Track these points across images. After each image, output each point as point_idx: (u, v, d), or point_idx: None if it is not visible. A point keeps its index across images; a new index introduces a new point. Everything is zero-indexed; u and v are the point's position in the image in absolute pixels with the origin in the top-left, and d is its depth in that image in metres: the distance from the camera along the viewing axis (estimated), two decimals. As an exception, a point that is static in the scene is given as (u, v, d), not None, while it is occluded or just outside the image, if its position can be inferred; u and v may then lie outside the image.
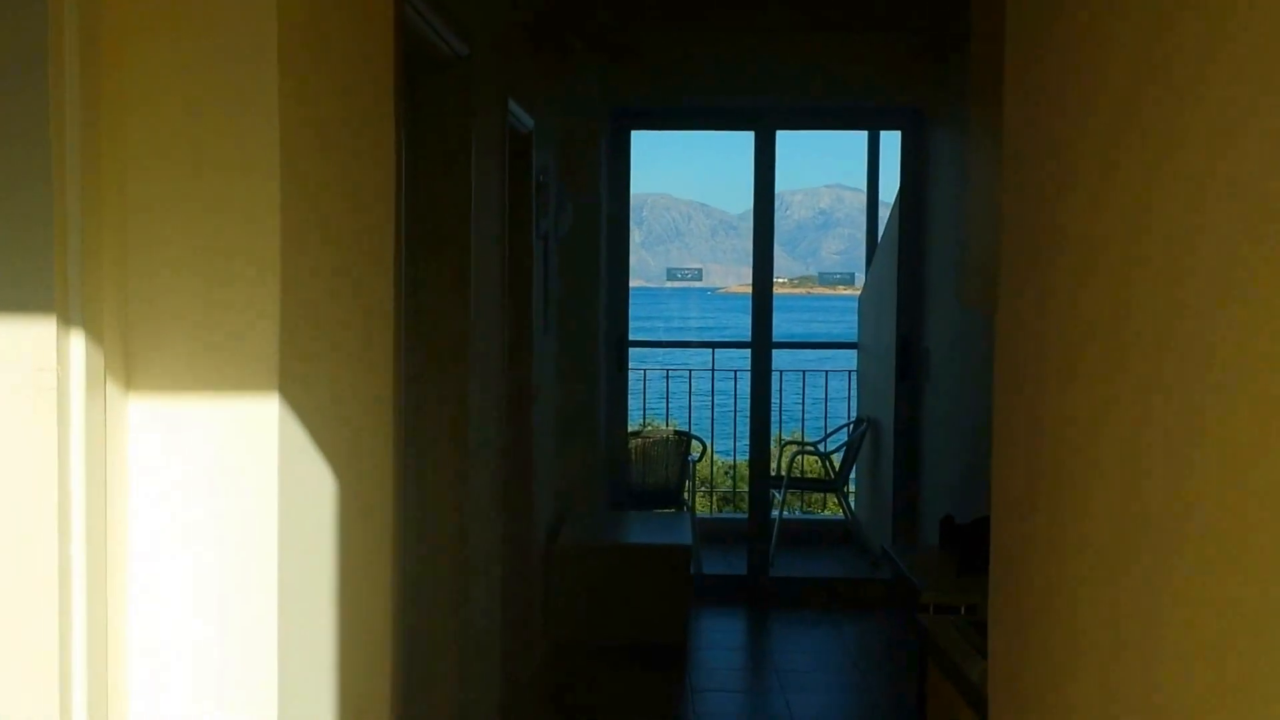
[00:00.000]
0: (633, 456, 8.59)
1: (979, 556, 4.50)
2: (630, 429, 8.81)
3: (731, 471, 11.81)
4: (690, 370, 10.48)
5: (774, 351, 8.15)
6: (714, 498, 10.89)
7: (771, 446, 8.38)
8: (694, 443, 8.83)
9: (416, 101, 3.93)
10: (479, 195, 4.35)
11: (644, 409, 11.10)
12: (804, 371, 10.49)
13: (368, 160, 2.63)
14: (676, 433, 8.81)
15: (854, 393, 10.43)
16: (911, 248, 8.05)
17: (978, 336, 6.51)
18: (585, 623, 6.76)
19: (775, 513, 8.73)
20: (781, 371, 8.69)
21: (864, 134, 9.59)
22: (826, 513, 10.69)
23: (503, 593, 5.36)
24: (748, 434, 8.43)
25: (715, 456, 12.41)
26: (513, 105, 5.21)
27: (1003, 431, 2.39)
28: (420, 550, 4.11)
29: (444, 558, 4.22)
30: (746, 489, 9.22)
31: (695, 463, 8.84)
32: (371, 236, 2.66)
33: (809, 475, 10.58)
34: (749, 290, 8.57)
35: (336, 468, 2.48)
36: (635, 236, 8.06)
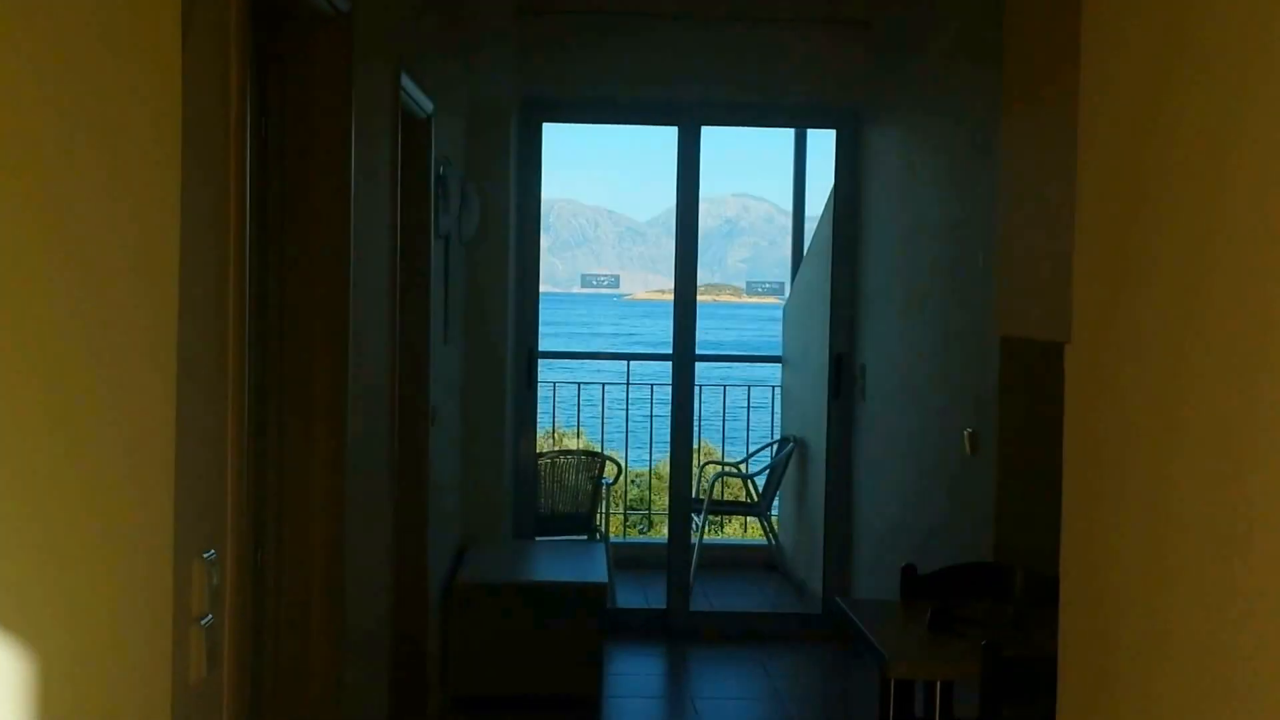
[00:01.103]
0: (542, 480, 7.89)
1: (950, 616, 3.88)
2: (540, 450, 8.11)
3: (641, 481, 11.11)
4: (604, 384, 9.79)
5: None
6: (626, 521, 10.20)
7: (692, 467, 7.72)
8: (608, 464, 8.14)
9: (279, 65, 3.22)
10: (362, 185, 3.64)
11: (554, 425, 10.42)
12: (724, 386, 9.79)
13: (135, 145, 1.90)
14: (589, 454, 8.11)
15: (778, 409, 9.80)
16: (845, 256, 7.43)
17: (923, 353, 5.89)
18: (487, 672, 6.04)
19: (695, 538, 8.07)
20: (701, 386, 8.02)
21: (777, 142, 8.97)
22: (748, 537, 10.05)
23: (392, 641, 4.65)
24: (666, 451, 7.79)
25: (630, 474, 11.77)
26: (407, 82, 4.50)
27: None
28: (281, 607, 3.39)
29: (316, 610, 3.50)
30: (665, 508, 8.58)
31: (609, 486, 8.15)
32: (147, 242, 1.92)
33: (730, 499, 9.94)
34: (660, 297, 7.92)
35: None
36: (543, 241, 7.46)
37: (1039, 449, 5.03)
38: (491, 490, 7.02)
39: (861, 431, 7.20)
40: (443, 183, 5.59)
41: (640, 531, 11.21)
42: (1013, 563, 4.38)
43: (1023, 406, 4.82)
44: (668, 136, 7.44)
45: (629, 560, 9.00)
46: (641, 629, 7.46)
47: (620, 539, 9.65)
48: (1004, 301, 2.67)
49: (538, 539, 7.63)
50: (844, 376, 7.43)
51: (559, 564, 6.69)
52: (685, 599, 7.50)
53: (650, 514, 11.04)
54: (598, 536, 7.97)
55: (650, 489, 10.95)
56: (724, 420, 9.96)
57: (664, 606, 7.52)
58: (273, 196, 3.23)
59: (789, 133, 9.08)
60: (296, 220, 3.30)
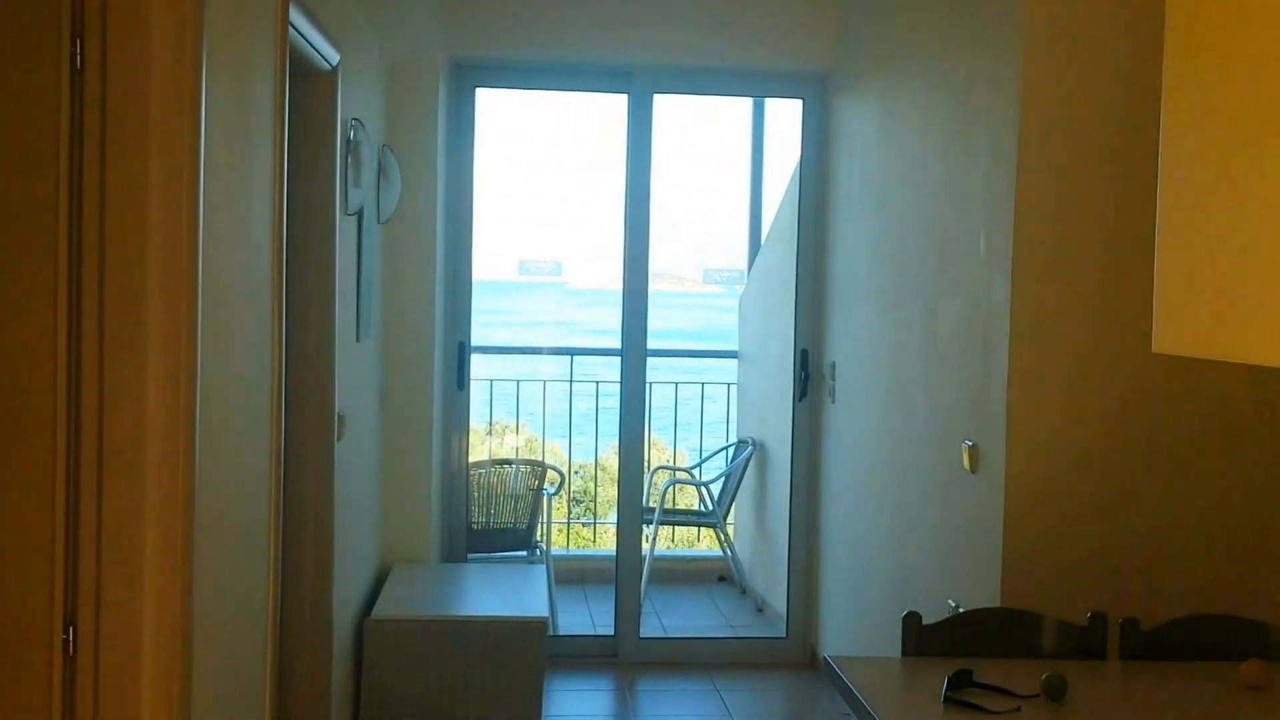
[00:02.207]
0: (476, 492, 7.08)
1: (968, 681, 3.12)
2: (475, 458, 7.30)
3: (584, 471, 10.30)
4: (544, 382, 8.98)
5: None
6: (570, 528, 9.39)
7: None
8: (549, 473, 7.34)
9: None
10: (222, 146, 2.82)
11: (490, 427, 9.60)
12: (676, 384, 9.00)
13: None
14: (528, 462, 7.31)
15: (733, 409, 9.03)
16: (812, 241, 6.66)
17: (907, 350, 5.14)
18: (408, 718, 5.23)
19: (645, 550, 7.28)
20: (651, 383, 7.26)
21: (735, 113, 8.20)
22: (701, 548, 9.28)
23: (273, 691, 3.85)
24: (612, 441, 7.01)
25: (573, 465, 10.97)
26: (301, 21, 3.68)
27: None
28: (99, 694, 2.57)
29: (168, 659, 2.69)
30: (611, 499, 7.78)
31: (551, 496, 7.35)
32: None
33: (682, 507, 9.16)
34: (609, 285, 7.17)
35: None
36: (476, 222, 6.66)
37: (1060, 470, 4.32)
38: (417, 506, 6.20)
39: (830, 437, 6.44)
40: (353, 149, 4.78)
41: (584, 525, 10.42)
42: (1028, 608, 3.63)
43: (1047, 419, 4.06)
44: (617, 106, 6.63)
45: (573, 574, 8.23)
46: (587, 658, 6.67)
47: (564, 551, 8.85)
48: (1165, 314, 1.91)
49: (471, 558, 6.82)
50: (810, 375, 6.66)
51: (493, 592, 5.88)
52: (635, 625, 6.71)
53: (594, 504, 10.27)
54: (538, 553, 7.17)
55: (595, 480, 10.16)
56: (675, 421, 9.17)
57: (612, 633, 6.74)
58: (89, 147, 2.41)
59: (747, 103, 8.27)
60: (121, 191, 2.47)
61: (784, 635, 6.81)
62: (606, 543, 9.35)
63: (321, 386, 4.40)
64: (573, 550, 9.05)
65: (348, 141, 4.73)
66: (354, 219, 4.98)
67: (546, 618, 5.35)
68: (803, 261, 6.70)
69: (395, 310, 6.08)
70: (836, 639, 6.28)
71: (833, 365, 6.36)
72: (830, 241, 6.47)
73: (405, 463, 6.16)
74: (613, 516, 8.20)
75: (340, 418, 4.64)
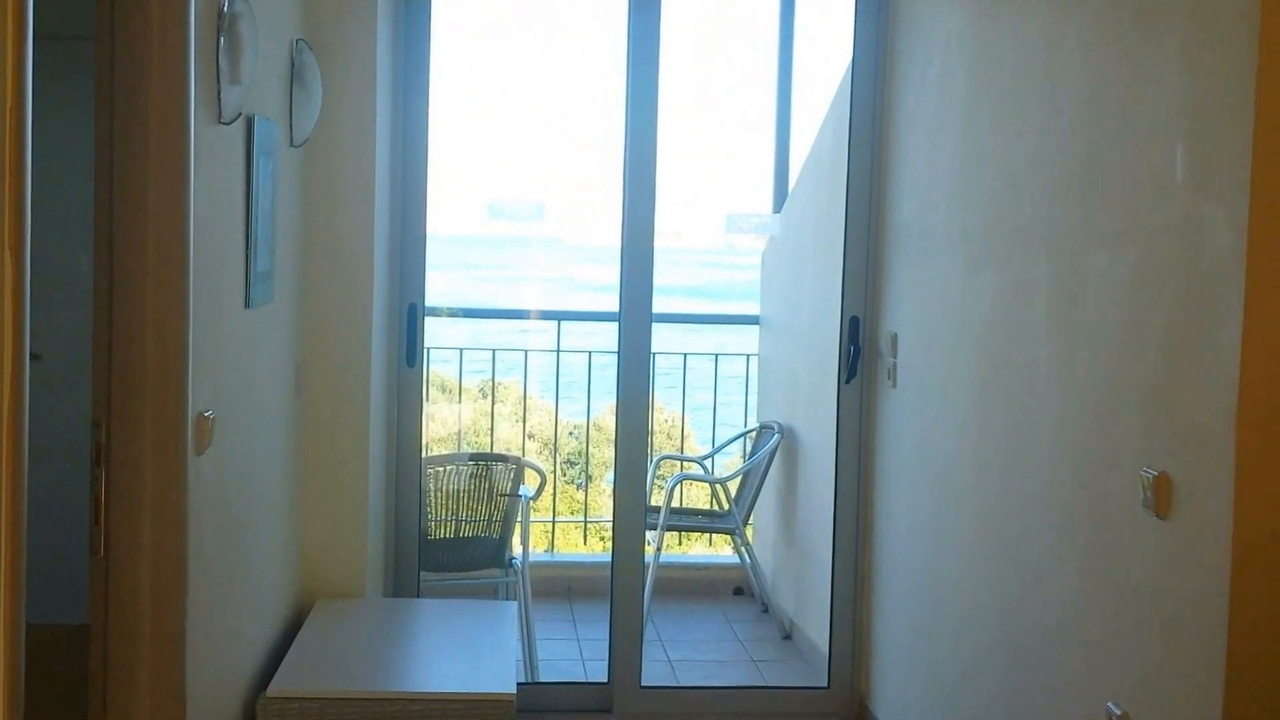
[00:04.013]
0: (432, 497, 5.58)
1: None
2: (433, 451, 5.79)
3: (579, 432, 8.89)
4: (526, 352, 7.47)
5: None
6: (554, 531, 7.88)
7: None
8: (528, 472, 5.83)
9: None
10: None
11: (459, 413, 8.09)
12: (684, 355, 7.47)
13: None
14: (501, 458, 5.79)
15: (753, 388, 7.52)
16: (866, 177, 5.13)
17: (1021, 325, 3.64)
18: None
19: (648, 556, 5.82)
20: (656, 354, 5.78)
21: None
22: (713, 552, 7.77)
23: None
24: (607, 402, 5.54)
25: (566, 425, 9.57)
26: None
27: None
28: None
29: None
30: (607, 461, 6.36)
31: (530, 501, 5.84)
32: None
33: (691, 506, 7.64)
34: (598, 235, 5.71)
35: None
36: (432, 152, 5.32)
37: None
38: (348, 521, 4.70)
39: (889, 430, 4.94)
40: (229, 26, 3.25)
41: (573, 512, 8.97)
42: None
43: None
44: (616, 4, 5.10)
45: (558, 586, 6.78)
46: (574, 713, 5.19)
47: (548, 556, 7.36)
48: None
49: (428, 580, 5.33)
50: (861, 350, 5.15)
51: (447, 649, 4.38)
52: (635, 669, 5.22)
53: (587, 468, 8.85)
54: (511, 570, 5.67)
55: (588, 440, 8.71)
56: (684, 400, 7.65)
57: (605, 679, 5.25)
58: None
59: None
60: None
61: (825, 684, 5.32)
62: (598, 543, 7.86)
63: (162, 378, 2.89)
64: (558, 555, 7.54)
65: (220, 13, 3.21)
66: (238, 134, 3.46)
67: (513, 696, 3.84)
68: (853, 203, 5.16)
69: (318, 265, 4.57)
70: (896, 695, 4.81)
71: (893, 338, 4.85)
72: (891, 176, 4.95)
73: (331, 465, 4.67)
74: (607, 509, 6.73)
75: (203, 419, 3.13)
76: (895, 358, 4.84)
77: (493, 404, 7.67)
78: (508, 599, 5.74)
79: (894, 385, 4.86)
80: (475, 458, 5.82)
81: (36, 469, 1.96)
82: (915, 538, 4.64)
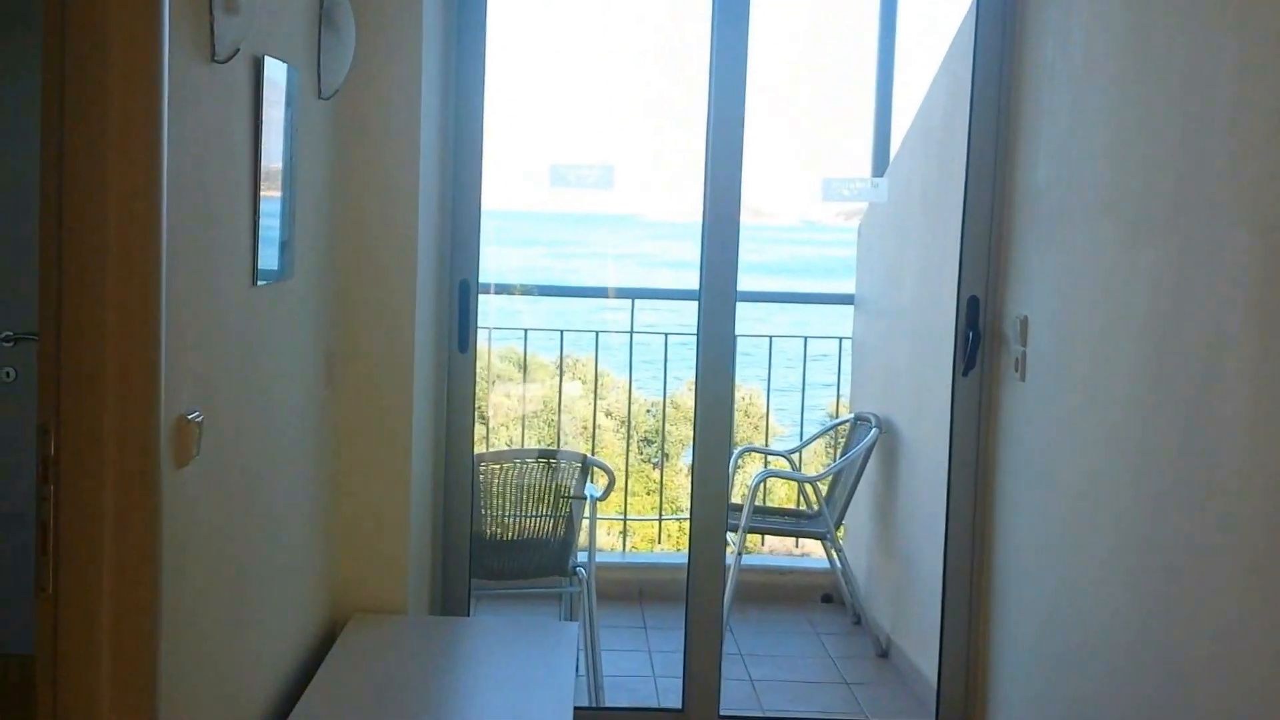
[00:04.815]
0: (487, 499, 4.95)
1: None
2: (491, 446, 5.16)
3: (655, 410, 8.32)
4: (597, 333, 6.83)
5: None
6: (626, 531, 7.24)
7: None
8: (596, 472, 5.18)
9: None
10: None
11: (524, 394, 7.49)
12: (770, 337, 6.79)
13: None
14: (564, 455, 5.14)
15: (845, 375, 6.83)
16: (989, 139, 4.43)
17: (1196, 316, 2.95)
18: None
19: (729, 558, 5.20)
20: (738, 336, 5.14)
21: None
22: (800, 555, 7.09)
23: None
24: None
25: (643, 404, 9.01)
26: None
27: None
28: None
29: None
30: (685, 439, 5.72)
31: (596, 500, 5.20)
32: None
33: (776, 505, 6.97)
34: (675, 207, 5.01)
35: None
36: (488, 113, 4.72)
37: None
38: (387, 528, 4.09)
39: (1015, 431, 4.25)
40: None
41: (649, 492, 8.39)
42: None
43: None
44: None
45: (629, 590, 6.18)
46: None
47: (618, 557, 6.72)
48: None
49: (481, 591, 4.72)
50: (981, 336, 4.46)
51: (493, 680, 3.75)
52: (712, 695, 4.59)
53: (664, 446, 8.26)
54: (576, 577, 5.04)
55: (664, 418, 8.11)
56: (769, 386, 6.98)
57: (679, 705, 4.62)
58: None
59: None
60: None
61: (933, 719, 4.66)
62: (674, 540, 7.24)
63: (124, 374, 2.28)
64: (630, 556, 6.90)
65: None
66: (241, 77, 2.84)
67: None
68: (974, 167, 4.46)
69: (351, 235, 3.95)
70: (1022, 741, 4.14)
71: (1022, 323, 4.16)
72: (1022, 135, 4.26)
73: (368, 466, 4.05)
74: (684, 488, 6.08)
75: (186, 423, 2.51)
76: (1024, 346, 4.15)
77: (560, 383, 7.05)
78: (570, 612, 5.13)
79: (1022, 378, 4.17)
80: (536, 455, 5.18)
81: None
82: (1045, 560, 3.96)
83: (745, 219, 4.40)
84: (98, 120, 2.22)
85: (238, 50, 2.70)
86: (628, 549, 7.12)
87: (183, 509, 2.54)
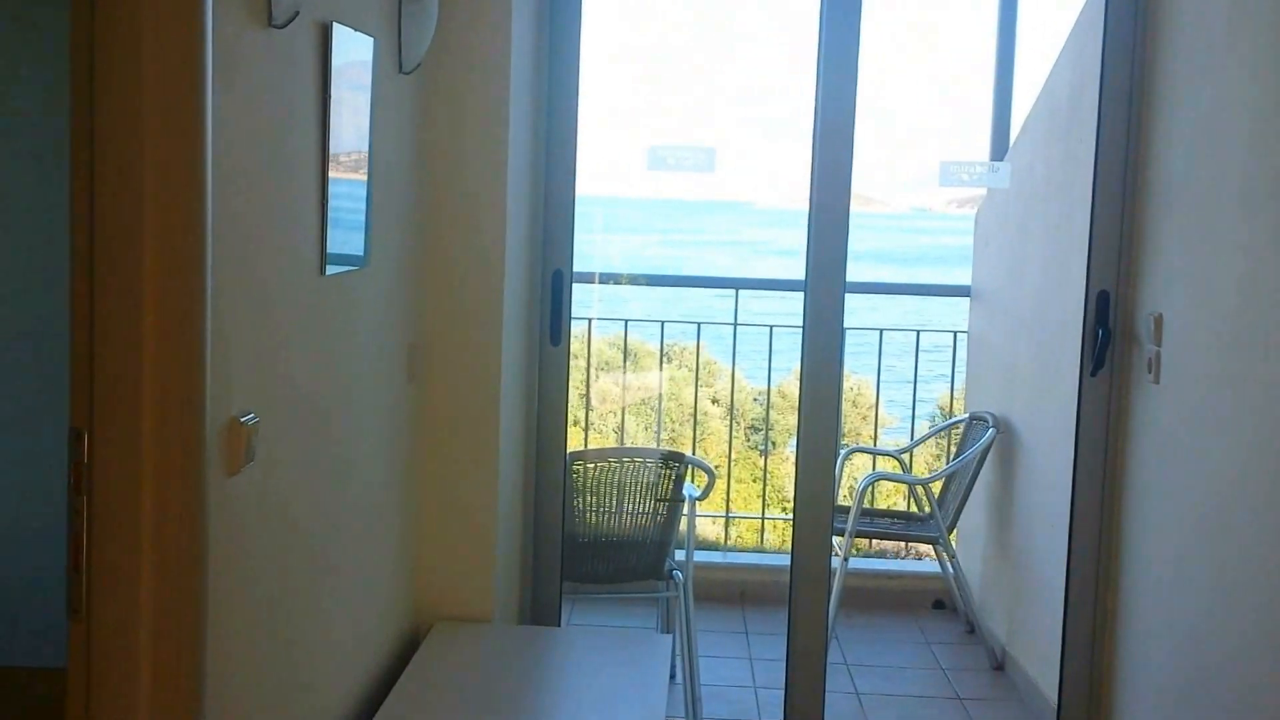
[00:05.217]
0: (580, 499, 4.72)
1: None
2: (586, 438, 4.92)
3: (762, 398, 8.09)
4: (699, 324, 6.56)
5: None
6: (729, 525, 6.97)
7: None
8: (695, 472, 4.92)
9: None
10: None
11: (624, 384, 7.25)
12: (879, 330, 6.48)
13: None
14: (661, 454, 4.88)
15: (960, 370, 6.50)
16: (1121, 122, 4.10)
17: None
18: None
19: (834, 562, 4.93)
20: (846, 329, 4.85)
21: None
22: (910, 559, 6.78)
23: None
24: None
25: (749, 392, 8.79)
26: None
27: None
28: None
29: None
30: (791, 428, 5.48)
31: (696, 500, 4.94)
32: None
33: (886, 507, 6.66)
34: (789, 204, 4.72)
35: None
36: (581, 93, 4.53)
37: None
38: (473, 531, 3.87)
39: (1148, 438, 3.93)
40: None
41: (754, 479, 8.14)
42: None
43: None
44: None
45: (729, 590, 5.93)
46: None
47: (719, 558, 6.45)
48: None
49: (572, 596, 4.49)
50: (1111, 334, 4.13)
51: (578, 695, 3.50)
52: (816, 712, 4.32)
53: (770, 433, 8.04)
54: (672, 582, 4.78)
55: (770, 406, 7.85)
56: (878, 381, 6.67)
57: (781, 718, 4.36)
58: None
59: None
60: None
61: (1057, 740, 4.35)
62: (779, 532, 6.96)
63: (164, 372, 2.06)
64: (730, 556, 6.62)
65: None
66: (304, 45, 2.62)
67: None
68: (1104, 151, 4.12)
69: (436, 219, 3.73)
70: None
71: (1156, 320, 3.83)
72: (1157, 116, 3.92)
73: (453, 465, 3.83)
74: (789, 477, 5.81)
75: (238, 426, 2.30)
76: (1158, 346, 3.82)
77: (661, 375, 6.81)
78: (666, 617, 4.88)
79: (1155, 380, 3.85)
80: (632, 453, 4.93)
81: None
82: (1179, 575, 3.63)
83: (858, 206, 4.14)
84: (132, 89, 2.01)
85: (297, 14, 2.47)
86: (731, 539, 6.86)
87: (234, 520, 2.32)
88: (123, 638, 2.10)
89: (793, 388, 9.88)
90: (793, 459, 5.99)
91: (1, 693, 3.91)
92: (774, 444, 9.25)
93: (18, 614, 4.08)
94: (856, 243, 4.22)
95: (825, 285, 4.18)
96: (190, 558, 2.12)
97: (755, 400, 9.53)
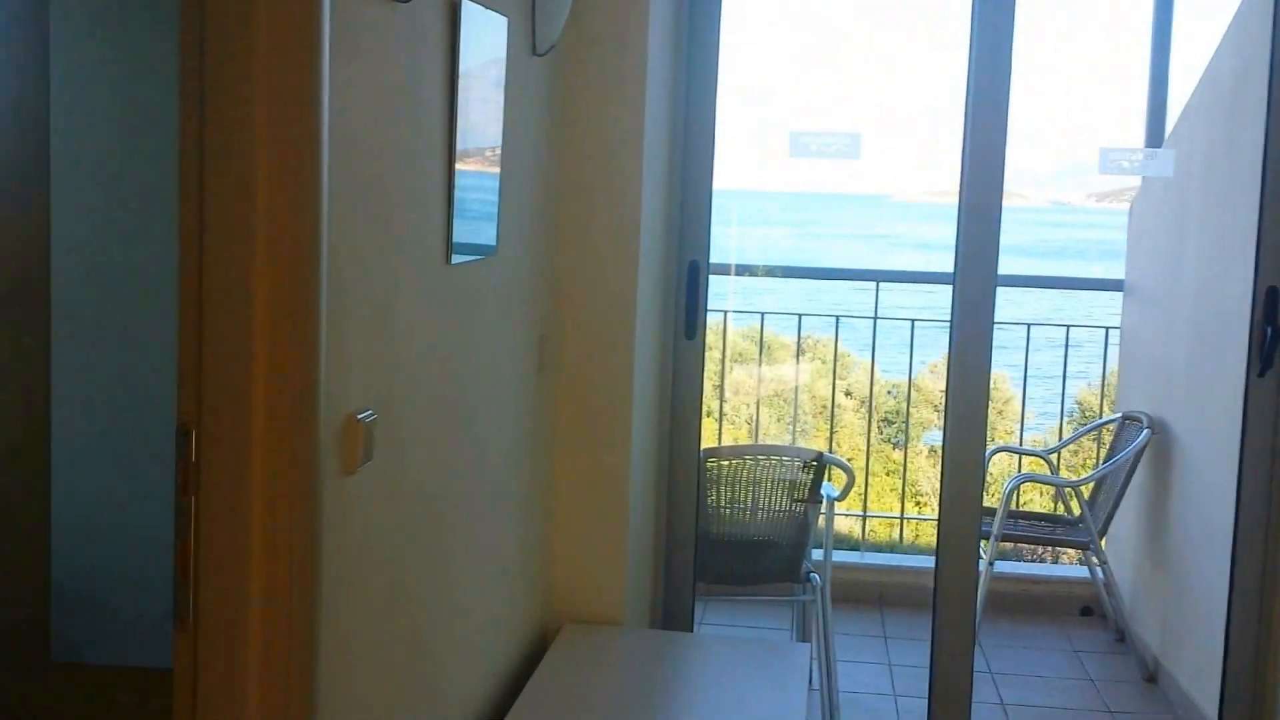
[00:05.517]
0: (714, 498, 4.56)
1: None
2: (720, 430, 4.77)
3: (898, 391, 7.90)
4: (837, 318, 6.37)
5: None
6: (865, 528, 6.77)
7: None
8: (834, 471, 4.73)
9: None
10: None
11: (760, 376, 7.09)
12: (1028, 325, 6.22)
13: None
14: (796, 452, 4.71)
15: (1111, 367, 6.22)
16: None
17: None
18: None
19: (981, 562, 4.72)
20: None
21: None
22: (1057, 563, 6.52)
23: None
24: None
25: (885, 384, 8.63)
26: None
27: None
28: None
29: None
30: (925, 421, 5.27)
31: (835, 500, 4.76)
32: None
33: (1032, 509, 6.41)
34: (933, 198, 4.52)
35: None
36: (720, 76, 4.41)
37: None
38: (605, 530, 3.73)
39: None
40: None
41: (888, 473, 7.93)
42: None
43: None
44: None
45: (869, 593, 5.74)
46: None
47: (855, 558, 6.24)
48: None
49: (703, 596, 4.34)
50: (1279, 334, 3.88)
51: (710, 706, 3.35)
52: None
53: (905, 426, 7.85)
54: (808, 587, 4.60)
55: (908, 400, 7.67)
56: (1025, 377, 6.42)
57: (923, 733, 4.17)
58: None
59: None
60: None
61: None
62: (914, 528, 6.75)
63: (276, 366, 1.95)
64: (867, 557, 6.41)
65: None
66: (432, 20, 2.49)
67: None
68: (1274, 140, 3.87)
69: (568, 207, 3.60)
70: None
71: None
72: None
73: (584, 461, 3.71)
74: (923, 471, 5.59)
75: (355, 424, 2.18)
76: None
77: (797, 369, 6.64)
78: (802, 621, 4.71)
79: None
80: (768, 451, 4.76)
81: None
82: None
83: (1015, 198, 3.95)
84: (244, 61, 1.89)
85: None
86: (865, 534, 6.66)
87: (351, 522, 2.21)
88: (231, 648, 1.99)
89: (927, 381, 9.69)
90: (927, 453, 5.78)
91: (101, 693, 3.85)
92: (908, 438, 9.05)
93: (119, 611, 4.00)
94: (1012, 232, 4.01)
95: (975, 279, 3.97)
96: (304, 563, 2.01)
97: (889, 393, 9.35)
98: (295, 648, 2.02)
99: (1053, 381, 6.79)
